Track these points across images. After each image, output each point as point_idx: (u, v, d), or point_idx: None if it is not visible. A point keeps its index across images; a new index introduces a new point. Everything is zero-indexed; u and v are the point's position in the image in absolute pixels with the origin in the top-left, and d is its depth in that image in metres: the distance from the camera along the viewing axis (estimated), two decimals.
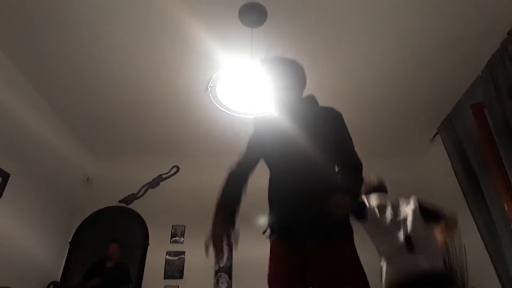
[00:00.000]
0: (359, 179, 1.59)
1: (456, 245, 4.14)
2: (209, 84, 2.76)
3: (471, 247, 3.91)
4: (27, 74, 3.66)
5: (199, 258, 4.52)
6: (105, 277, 4.13)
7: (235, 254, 4.44)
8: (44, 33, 3.14)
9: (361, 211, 2.65)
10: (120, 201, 4.99)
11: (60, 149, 4.46)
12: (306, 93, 1.91)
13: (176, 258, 4.60)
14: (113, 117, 4.35)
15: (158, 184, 5.19)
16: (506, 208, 3.04)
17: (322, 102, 1.86)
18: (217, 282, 4.23)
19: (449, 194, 4.34)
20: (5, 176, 3.54)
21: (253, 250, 4.61)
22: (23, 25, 3.06)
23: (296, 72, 1.80)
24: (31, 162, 3.94)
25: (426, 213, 2.67)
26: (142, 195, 5.10)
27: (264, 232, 1.61)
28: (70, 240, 4.65)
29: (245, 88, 2.78)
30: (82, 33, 3.15)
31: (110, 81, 3.75)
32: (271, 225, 1.60)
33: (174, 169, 5.29)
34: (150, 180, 5.18)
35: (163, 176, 5.24)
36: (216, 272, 4.31)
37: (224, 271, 4.27)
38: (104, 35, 3.16)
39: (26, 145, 3.84)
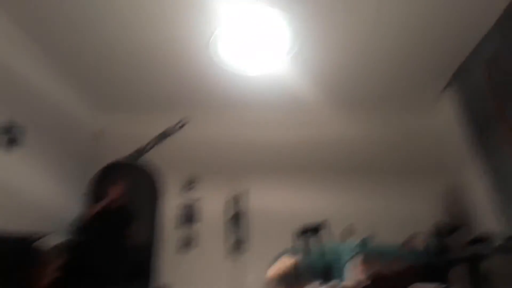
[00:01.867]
0: None
1: (464, 195, 4.30)
2: (212, 38, 2.72)
3: (478, 198, 4.05)
4: (34, 34, 3.59)
5: (213, 205, 4.80)
6: (108, 219, 3.91)
7: (250, 199, 4.65)
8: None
9: None
10: (130, 155, 5.09)
11: (71, 105, 4.51)
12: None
13: (190, 206, 4.81)
14: (120, 73, 4.34)
15: (167, 137, 5.27)
16: None
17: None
18: (231, 226, 4.44)
19: (458, 147, 4.44)
20: (21, 130, 3.64)
21: (267, 195, 4.85)
22: None
23: None
24: (45, 117, 4.01)
25: None
26: (152, 148, 5.20)
27: None
28: (84, 192, 4.81)
29: (247, 42, 2.75)
30: None
31: (116, 37, 3.69)
32: None
33: (181, 123, 5.34)
34: (159, 133, 5.26)
35: (171, 129, 5.30)
36: (231, 218, 4.52)
37: (238, 216, 4.48)
38: None
39: (39, 101, 3.92)
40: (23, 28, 3.55)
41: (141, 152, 5.15)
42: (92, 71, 4.32)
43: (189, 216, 4.78)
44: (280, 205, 4.73)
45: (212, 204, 4.79)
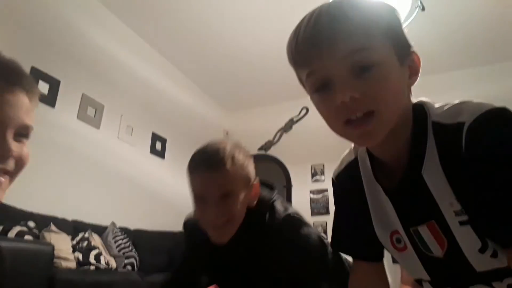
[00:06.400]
0: None
1: None
2: None
3: None
4: (167, 52, 4.08)
5: None
6: None
7: None
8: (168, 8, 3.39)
9: None
10: (259, 149, 5.29)
11: (200, 111, 4.97)
12: None
13: (319, 196, 4.70)
14: (239, 73, 4.61)
15: (291, 128, 5.27)
16: None
17: None
18: None
19: None
20: (164, 141, 4.24)
21: None
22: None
23: None
24: (180, 126, 4.55)
25: None
26: (278, 140, 5.28)
27: None
28: None
29: None
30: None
31: (229, 43, 3.92)
32: None
33: (304, 111, 5.25)
34: (283, 125, 5.30)
35: (294, 119, 5.27)
36: None
37: None
38: None
39: (174, 113, 4.48)
40: (160, 51, 4.22)
41: (269, 145, 5.29)
42: (214, 78, 4.69)
43: (320, 206, 4.68)
44: None
45: None
